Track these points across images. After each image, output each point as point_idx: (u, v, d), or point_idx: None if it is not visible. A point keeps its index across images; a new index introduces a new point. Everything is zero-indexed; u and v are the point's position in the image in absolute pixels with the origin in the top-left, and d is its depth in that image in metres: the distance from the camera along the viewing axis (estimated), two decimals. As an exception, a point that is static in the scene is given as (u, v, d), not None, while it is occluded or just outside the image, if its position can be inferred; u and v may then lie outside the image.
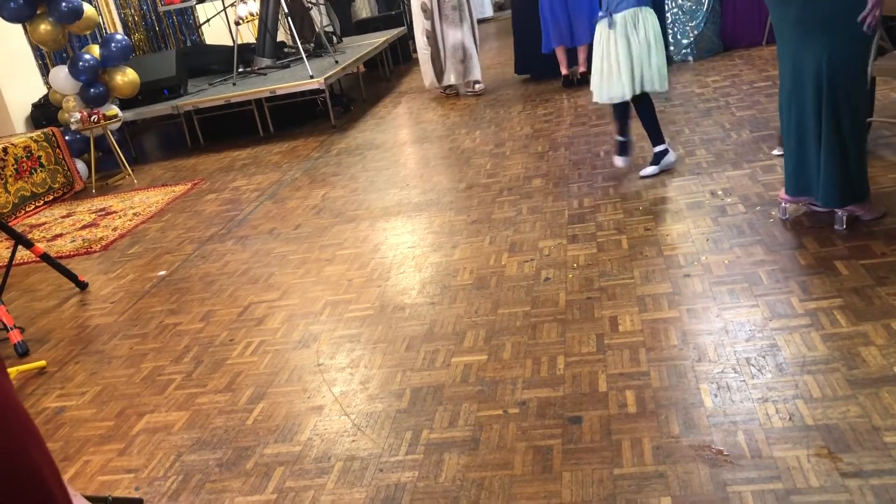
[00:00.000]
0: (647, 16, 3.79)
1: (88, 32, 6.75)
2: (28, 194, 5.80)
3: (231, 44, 7.91)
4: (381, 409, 2.41)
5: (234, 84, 7.21)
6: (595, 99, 4.04)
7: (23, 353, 3.28)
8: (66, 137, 6.20)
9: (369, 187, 4.83)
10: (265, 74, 7.52)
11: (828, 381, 2.12)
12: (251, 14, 8.36)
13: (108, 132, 6.25)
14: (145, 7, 9.20)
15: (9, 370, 3.06)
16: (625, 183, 4.02)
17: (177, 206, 5.29)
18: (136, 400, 2.77)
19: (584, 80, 6.30)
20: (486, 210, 4.01)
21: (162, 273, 4.02)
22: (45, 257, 3.85)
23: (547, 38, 6.59)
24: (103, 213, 5.44)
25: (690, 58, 6.73)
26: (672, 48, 6.70)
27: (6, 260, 3.79)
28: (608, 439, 2.07)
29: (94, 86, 6.23)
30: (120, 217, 5.24)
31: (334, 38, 8.87)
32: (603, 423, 2.14)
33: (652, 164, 4.04)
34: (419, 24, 7.03)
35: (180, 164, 6.62)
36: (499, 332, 2.74)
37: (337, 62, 7.27)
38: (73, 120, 5.97)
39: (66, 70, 6.15)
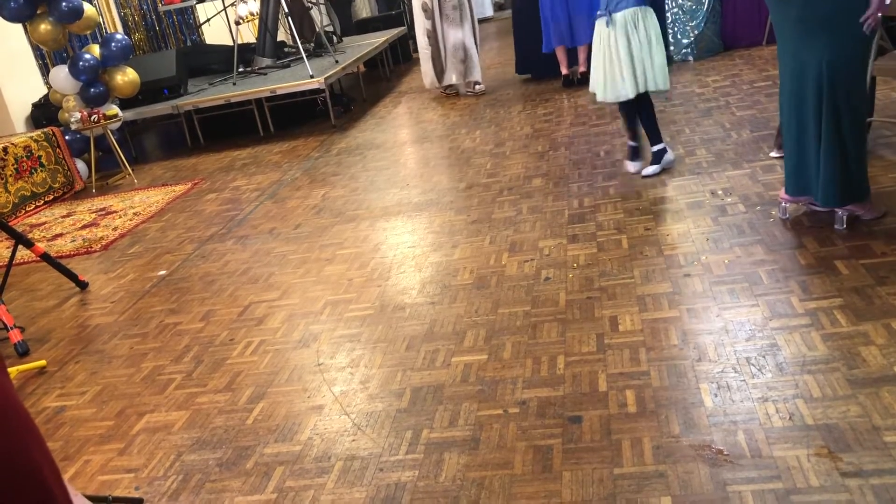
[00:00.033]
0: (647, 15, 3.79)
1: (89, 32, 6.75)
2: (28, 194, 5.80)
3: (231, 43, 7.91)
4: (382, 408, 2.41)
5: (235, 84, 7.21)
6: (599, 98, 4.04)
7: (23, 352, 3.28)
8: (67, 137, 6.21)
9: (369, 187, 4.83)
10: (265, 74, 7.53)
11: (828, 381, 2.12)
12: (251, 14, 8.36)
13: (109, 132, 6.25)
14: (145, 7, 9.20)
15: (9, 370, 3.06)
16: (625, 183, 4.02)
17: (177, 205, 5.29)
18: (137, 399, 2.77)
19: (585, 79, 6.28)
20: (486, 210, 4.01)
21: (162, 273, 4.02)
22: (45, 257, 3.85)
23: (547, 38, 6.59)
24: (103, 212, 5.45)
25: (691, 57, 6.73)
26: (672, 48, 6.70)
27: (6, 259, 3.79)
28: (608, 439, 2.07)
29: (94, 85, 6.23)
30: (120, 217, 5.25)
31: (334, 37, 8.88)
32: (603, 422, 2.14)
33: (652, 163, 4.04)
34: (420, 24, 7.03)
35: (180, 164, 6.62)
36: (499, 331, 2.74)
37: (337, 62, 7.27)
38: (73, 119, 5.97)
39: (67, 70, 6.15)
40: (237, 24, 7.91)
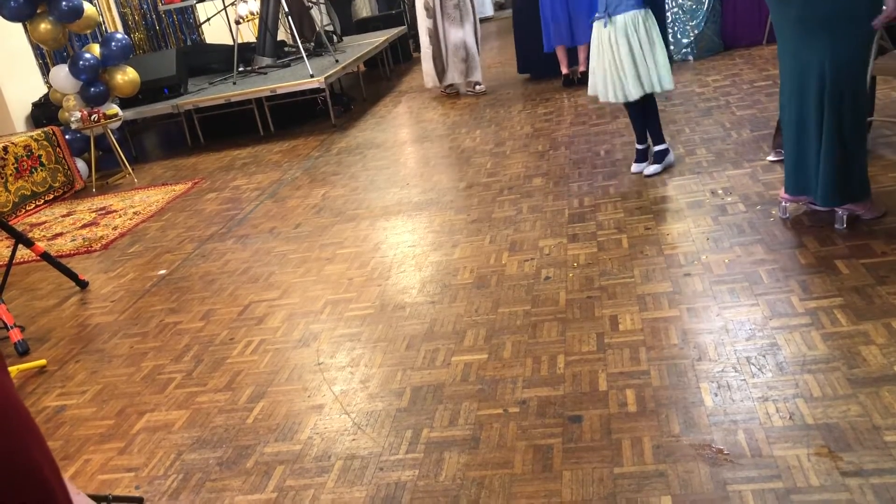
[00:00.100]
0: (648, 17, 3.78)
1: (89, 31, 6.75)
2: (28, 193, 5.80)
3: (231, 43, 7.91)
4: (382, 407, 2.41)
5: (235, 83, 7.21)
6: (602, 100, 4.03)
7: (23, 351, 3.28)
8: (67, 136, 6.20)
9: (369, 186, 4.83)
10: (265, 73, 7.53)
11: (828, 381, 2.12)
12: (251, 13, 8.36)
13: (109, 131, 6.25)
14: (145, 6, 9.20)
15: (9, 369, 3.06)
16: (625, 182, 4.02)
17: (177, 205, 5.29)
18: (137, 399, 2.77)
19: (585, 79, 6.23)
20: (486, 209, 4.01)
21: (162, 272, 4.02)
22: (45, 256, 3.85)
23: (547, 38, 6.59)
24: (103, 211, 5.44)
25: (691, 57, 6.72)
26: (672, 47, 6.70)
27: (6, 259, 3.79)
28: (608, 438, 2.07)
29: (94, 85, 6.23)
30: (120, 216, 5.24)
31: (334, 37, 8.87)
32: (603, 421, 2.14)
33: (654, 162, 4.05)
34: (423, 24, 7.02)
35: (180, 164, 6.62)
36: (499, 331, 2.74)
37: (337, 61, 7.27)
38: (73, 119, 5.97)
39: (67, 69, 6.16)
40: (237, 23, 7.91)
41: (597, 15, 3.88)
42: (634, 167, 4.11)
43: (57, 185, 6.06)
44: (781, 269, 2.79)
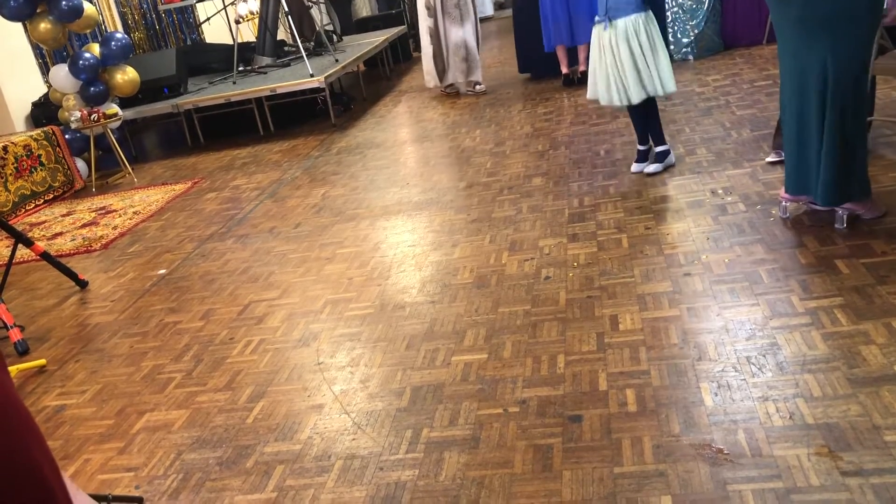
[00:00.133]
0: (648, 20, 3.78)
1: (88, 31, 6.74)
2: (28, 193, 5.80)
3: (231, 42, 7.91)
4: (382, 407, 2.41)
5: (235, 83, 7.21)
6: (603, 103, 4.02)
7: (23, 351, 3.28)
8: (67, 136, 6.20)
9: (369, 186, 4.83)
10: (265, 73, 7.52)
11: (828, 380, 2.12)
12: (251, 13, 8.36)
13: (108, 131, 6.25)
14: (145, 5, 9.19)
15: (9, 368, 3.06)
16: (625, 182, 4.02)
17: (177, 204, 5.29)
18: (136, 398, 2.77)
19: (585, 79, 6.26)
20: (486, 209, 4.01)
21: (162, 271, 4.02)
22: (45, 256, 3.85)
23: (547, 38, 6.59)
24: (103, 211, 5.44)
25: (691, 57, 6.72)
26: (672, 47, 6.70)
27: (6, 258, 3.79)
28: (608, 438, 2.06)
29: (94, 84, 6.23)
30: (120, 216, 5.24)
31: (334, 36, 8.87)
32: (603, 421, 2.14)
33: (655, 162, 4.05)
34: (424, 23, 7.02)
35: (180, 163, 6.62)
36: (499, 330, 2.74)
37: (337, 61, 7.27)
38: (73, 118, 5.97)
39: (67, 68, 6.15)
40: (237, 22, 7.91)
41: (597, 18, 3.87)
42: (635, 167, 4.12)
43: (57, 184, 6.06)
44: (781, 268, 2.79)
